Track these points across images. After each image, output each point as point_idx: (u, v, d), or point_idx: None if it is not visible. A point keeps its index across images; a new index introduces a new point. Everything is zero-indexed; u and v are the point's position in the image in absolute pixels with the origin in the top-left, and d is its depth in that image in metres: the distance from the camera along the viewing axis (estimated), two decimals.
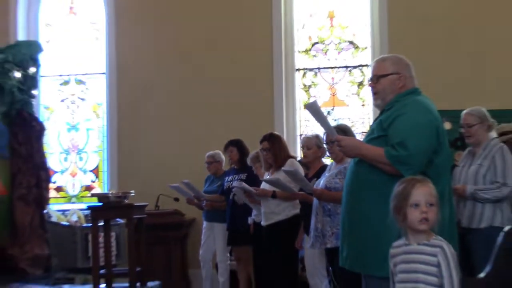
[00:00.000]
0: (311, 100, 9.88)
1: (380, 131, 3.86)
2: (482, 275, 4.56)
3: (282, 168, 6.78)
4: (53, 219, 8.88)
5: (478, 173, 5.64)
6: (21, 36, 10.35)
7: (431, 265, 2.99)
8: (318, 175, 6.41)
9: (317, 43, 10.25)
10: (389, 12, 9.62)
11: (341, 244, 4.06)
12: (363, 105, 9.93)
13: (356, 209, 3.87)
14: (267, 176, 7.09)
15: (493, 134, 6.12)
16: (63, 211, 9.69)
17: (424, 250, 3.03)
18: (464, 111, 5.95)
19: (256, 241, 7.38)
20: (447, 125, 7.55)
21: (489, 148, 5.72)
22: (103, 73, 10.57)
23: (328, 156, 6.70)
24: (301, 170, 6.70)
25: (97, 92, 10.72)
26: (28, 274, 7.35)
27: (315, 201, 6.01)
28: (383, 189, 3.49)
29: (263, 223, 7.04)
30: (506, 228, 4.79)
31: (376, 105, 4.23)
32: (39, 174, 8.10)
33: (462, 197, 5.67)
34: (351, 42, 10.18)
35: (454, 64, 9.16)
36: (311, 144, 6.74)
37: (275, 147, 7.16)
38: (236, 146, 8.16)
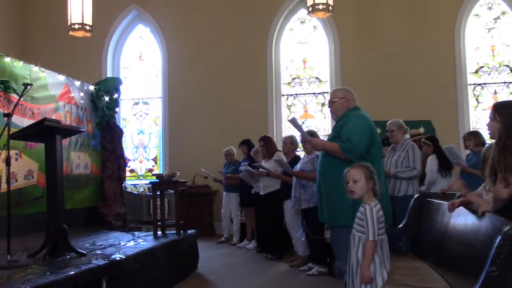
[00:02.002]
0: (292, 115, 9.88)
1: (336, 134, 3.98)
2: (400, 225, 4.55)
3: (273, 158, 6.77)
4: (128, 190, 8.87)
5: (397, 161, 5.63)
6: (109, 74, 10.37)
7: (361, 220, 3.01)
8: (292, 162, 6.40)
9: (295, 78, 10.20)
10: (341, 58, 9.63)
11: (320, 207, 4.05)
12: (324, 118, 9.88)
13: (325, 184, 3.93)
14: (263, 163, 7.09)
15: (407, 136, 6.10)
16: (135, 185, 9.68)
17: (361, 210, 3.05)
18: (389, 121, 5.94)
19: (257, 204, 7.36)
20: (378, 130, 7.52)
21: (404, 145, 5.71)
22: (160, 97, 10.52)
23: (302, 150, 6.70)
24: (285, 159, 6.68)
25: (156, 109, 10.66)
26: (113, 224, 7.33)
27: (294, 178, 6.01)
28: (340, 169, 3.49)
29: (261, 192, 7.03)
30: (416, 196, 4.79)
31: (333, 118, 4.30)
32: (119, 161, 8.07)
33: (388, 176, 5.65)
34: (317, 78, 10.13)
35: (382, 92, 9.14)
36: (287, 141, 6.75)
37: (268, 144, 7.19)
38: (246, 144, 8.20)
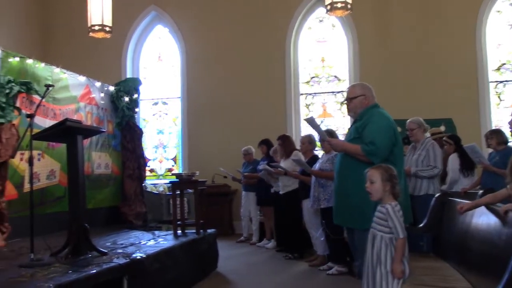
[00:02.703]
0: (310, 115, 9.88)
1: (356, 134, 3.80)
2: (421, 225, 4.51)
3: (291, 157, 6.76)
4: (148, 189, 8.94)
5: (418, 160, 5.59)
6: (128, 74, 10.45)
7: (383, 220, 2.98)
8: (310, 161, 6.37)
9: (314, 77, 10.16)
10: (360, 57, 9.58)
11: (336, 209, 3.97)
12: (343, 116, 9.83)
13: (343, 185, 3.80)
14: (281, 162, 7.08)
15: (428, 134, 6.05)
16: (154, 184, 9.77)
17: (381, 210, 3.03)
18: (408, 120, 5.89)
19: (276, 203, 7.35)
20: (398, 129, 7.46)
21: (425, 144, 5.66)
22: (179, 97, 10.57)
23: (321, 149, 6.67)
24: (303, 158, 6.65)
25: (175, 109, 10.72)
26: (133, 224, 7.40)
27: (313, 178, 5.98)
28: (360, 171, 3.40)
29: (280, 192, 7.02)
30: (436, 195, 4.74)
31: (350, 115, 4.15)
32: (139, 161, 8.14)
33: (408, 175, 5.61)
34: (335, 76, 10.09)
35: (402, 90, 9.08)
36: (305, 140, 6.73)
37: (285, 143, 7.17)
38: (266, 144, 8.18)
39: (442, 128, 7.88)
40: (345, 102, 4.10)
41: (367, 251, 3.08)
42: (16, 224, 5.42)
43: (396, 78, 9.19)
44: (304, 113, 10.04)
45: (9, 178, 5.62)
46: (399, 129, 6.04)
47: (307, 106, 10.12)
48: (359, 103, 3.92)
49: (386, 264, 2.96)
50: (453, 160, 6.23)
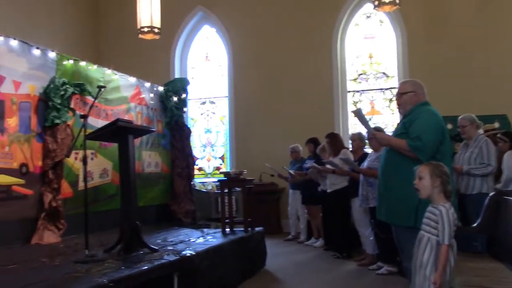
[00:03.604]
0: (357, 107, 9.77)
1: (403, 130, 3.73)
2: (474, 225, 4.38)
3: (339, 156, 6.69)
4: (197, 187, 9.05)
5: (470, 158, 5.43)
6: (176, 75, 10.62)
7: (434, 221, 2.87)
8: (360, 159, 6.29)
9: (361, 74, 10.04)
10: (409, 53, 9.37)
11: (379, 204, 3.92)
12: (392, 114, 9.65)
13: (387, 181, 3.74)
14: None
15: (481, 131, 5.87)
16: (203, 183, 9.87)
17: (432, 211, 2.92)
18: (460, 117, 5.75)
19: (324, 201, 7.30)
20: (449, 126, 7.26)
21: (478, 141, 5.50)
22: (226, 97, 10.66)
23: (369, 147, 6.57)
24: (351, 157, 6.57)
25: (223, 108, 10.82)
26: (182, 221, 7.51)
27: (361, 176, 5.91)
28: (404, 167, 3.38)
29: (328, 190, 6.96)
30: (491, 194, 4.59)
31: (400, 112, 4.07)
32: (188, 160, 8.26)
33: (460, 174, 5.46)
34: (384, 73, 9.92)
35: (453, 86, 8.82)
36: (355, 138, 6.66)
37: (334, 141, 7.08)
38: (313, 142, 8.12)
39: (496, 125, 7.60)
40: (396, 97, 4.03)
41: (414, 253, 2.98)
42: (71, 221, 5.63)
43: (447, 73, 8.93)
44: (351, 111, 9.92)
45: (65, 176, 5.84)
46: (450, 126, 5.88)
47: (355, 103, 10.00)
48: (409, 99, 3.84)
49: (427, 267, 2.85)
50: (509, 158, 5.99)
